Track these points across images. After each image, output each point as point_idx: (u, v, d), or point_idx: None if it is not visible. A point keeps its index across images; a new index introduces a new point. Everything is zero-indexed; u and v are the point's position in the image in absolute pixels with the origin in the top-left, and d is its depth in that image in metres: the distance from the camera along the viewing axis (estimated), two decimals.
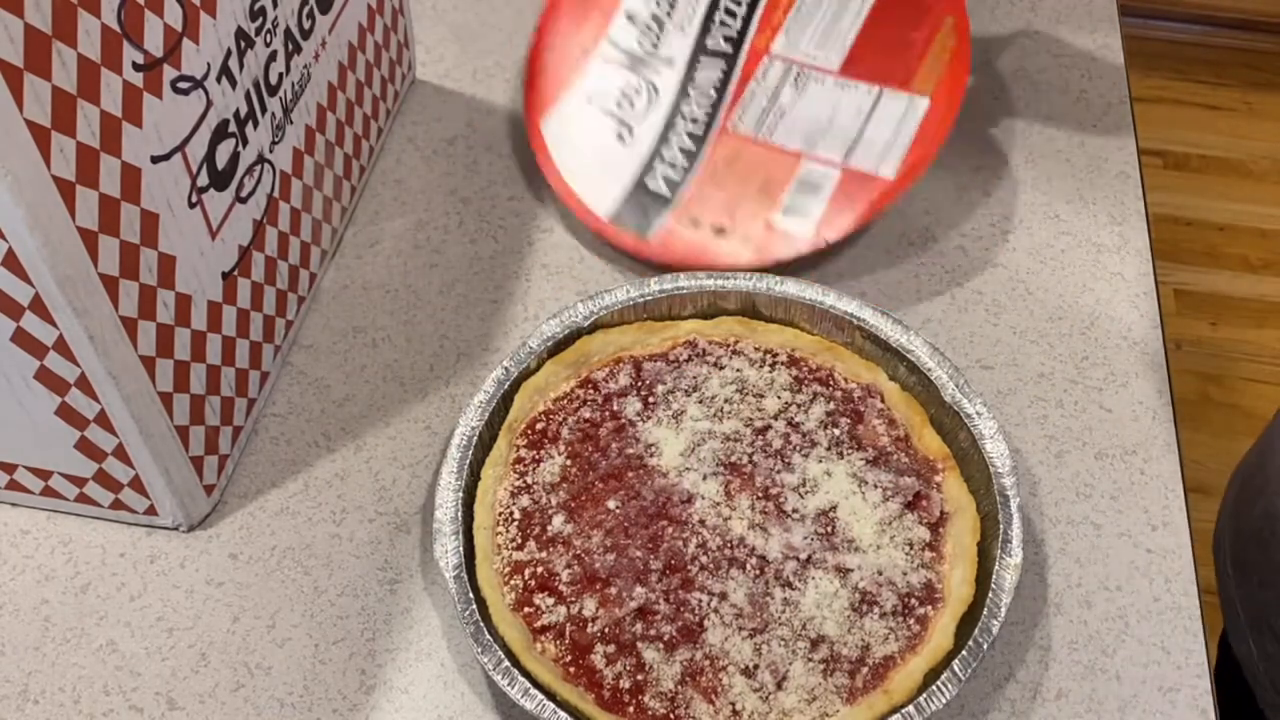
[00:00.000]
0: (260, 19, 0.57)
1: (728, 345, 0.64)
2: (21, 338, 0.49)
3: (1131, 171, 0.78)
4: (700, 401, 0.61)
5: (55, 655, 0.57)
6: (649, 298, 0.64)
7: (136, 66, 0.47)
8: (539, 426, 0.61)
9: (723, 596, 0.55)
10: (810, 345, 0.64)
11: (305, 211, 0.67)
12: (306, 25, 0.62)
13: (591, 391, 0.62)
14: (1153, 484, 0.63)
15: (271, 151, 0.61)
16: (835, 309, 0.64)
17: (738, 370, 0.63)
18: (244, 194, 0.59)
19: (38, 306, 0.47)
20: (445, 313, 0.70)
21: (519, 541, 0.57)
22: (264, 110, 0.59)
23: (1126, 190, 0.77)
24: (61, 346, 0.49)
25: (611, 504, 0.58)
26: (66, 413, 0.53)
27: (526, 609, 0.54)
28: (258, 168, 0.60)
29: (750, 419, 0.61)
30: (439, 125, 0.80)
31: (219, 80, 0.54)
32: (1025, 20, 0.89)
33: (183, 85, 0.51)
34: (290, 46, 0.61)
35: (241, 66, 0.56)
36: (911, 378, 0.62)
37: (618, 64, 0.74)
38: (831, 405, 0.61)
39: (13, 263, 0.46)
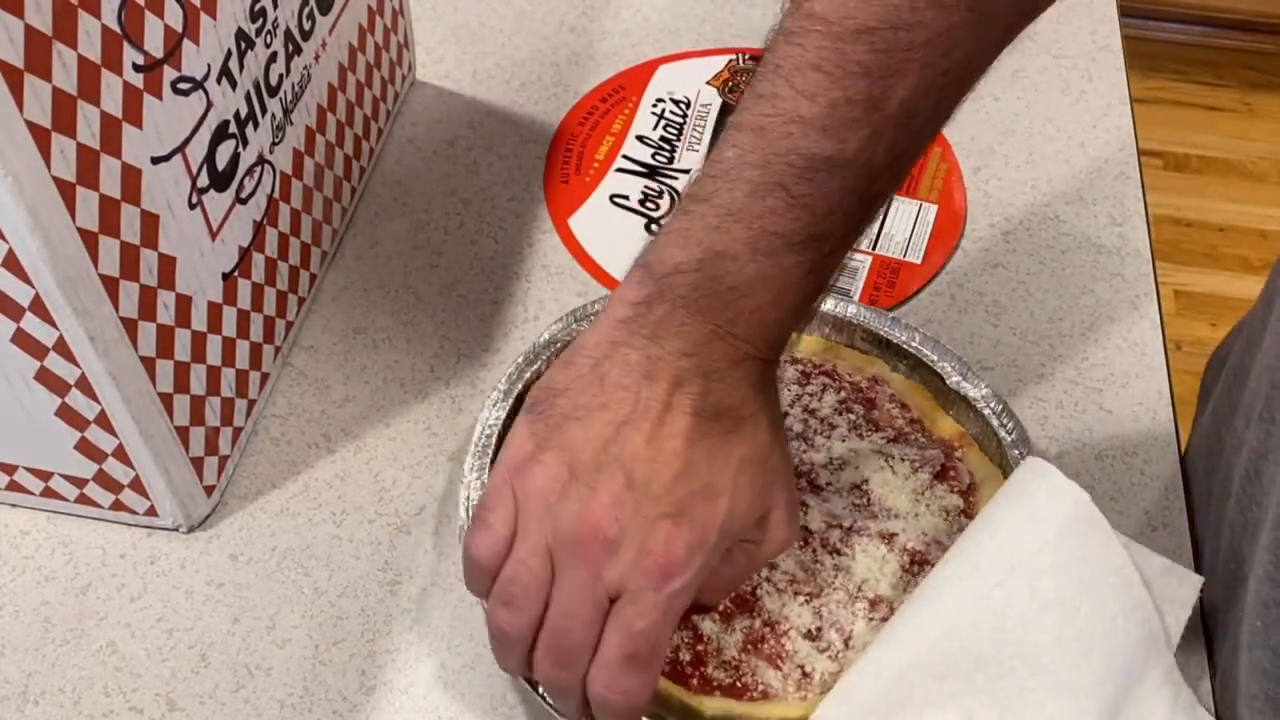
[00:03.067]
0: (260, 20, 0.57)
1: None
2: (22, 339, 0.49)
3: (1131, 172, 0.78)
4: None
5: (55, 656, 0.57)
6: None
7: (137, 67, 0.47)
8: None
9: (772, 566, 0.54)
10: (809, 346, 0.64)
11: (305, 212, 0.67)
12: (306, 26, 0.63)
13: None
14: (1153, 484, 0.63)
15: (272, 152, 0.61)
16: (834, 313, 0.64)
17: None
18: (244, 195, 0.59)
19: (38, 307, 0.47)
20: (445, 313, 0.70)
21: None
22: (264, 111, 0.59)
23: (1126, 191, 0.77)
24: (62, 347, 0.49)
25: None
26: (67, 414, 0.53)
27: None
28: (258, 169, 0.60)
29: None
30: (439, 126, 0.80)
31: (219, 81, 0.54)
32: None
33: (183, 86, 0.51)
34: (290, 47, 0.61)
35: (242, 67, 0.56)
36: (914, 374, 0.62)
37: (635, 174, 0.78)
38: (843, 394, 0.61)
39: (13, 264, 0.46)
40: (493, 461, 0.58)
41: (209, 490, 0.61)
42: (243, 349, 0.61)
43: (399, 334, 0.69)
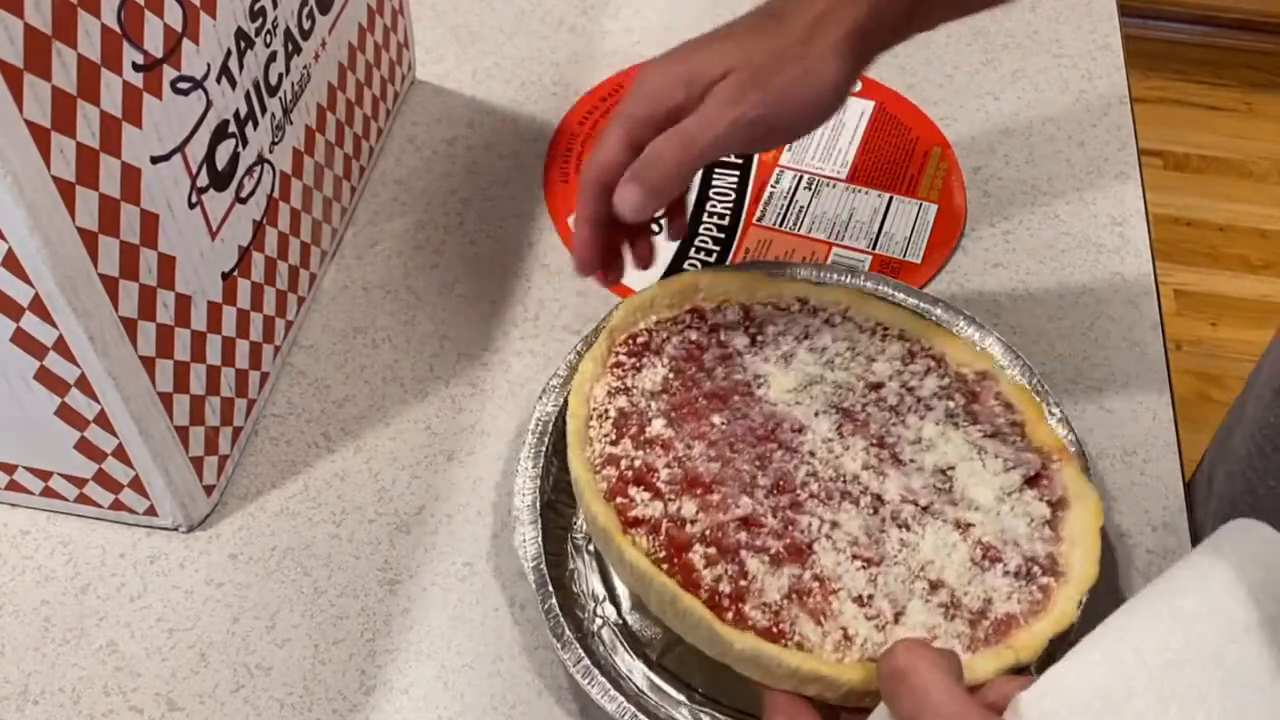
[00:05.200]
0: (260, 19, 0.57)
1: (839, 310, 0.61)
2: (21, 338, 0.49)
3: (1132, 172, 0.78)
4: (811, 350, 0.59)
5: (55, 656, 0.57)
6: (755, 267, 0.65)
7: (136, 67, 0.47)
8: (640, 340, 0.58)
9: (835, 524, 0.51)
10: (920, 328, 0.60)
11: (305, 212, 0.67)
12: (306, 26, 0.62)
13: (698, 320, 0.60)
14: (1153, 484, 0.63)
15: (271, 152, 0.61)
16: (933, 313, 0.64)
17: (849, 333, 0.60)
18: (244, 194, 0.59)
19: (38, 307, 0.47)
20: (445, 313, 0.70)
21: (614, 437, 0.54)
22: (264, 110, 0.59)
23: (1127, 190, 0.77)
24: (61, 347, 0.49)
25: (716, 419, 0.55)
26: (66, 413, 0.53)
27: (619, 499, 0.51)
28: (257, 168, 0.60)
29: (863, 375, 0.58)
30: (439, 126, 0.80)
31: (219, 81, 0.54)
32: (1025, 20, 0.89)
33: (183, 86, 0.51)
34: (290, 47, 0.61)
35: (241, 67, 0.56)
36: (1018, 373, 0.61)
37: None
38: (945, 381, 0.58)
39: (13, 263, 0.46)
40: (548, 455, 0.59)
41: (208, 490, 0.61)
42: (242, 348, 0.61)
43: (399, 333, 0.69)
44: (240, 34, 0.55)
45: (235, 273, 0.59)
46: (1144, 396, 0.67)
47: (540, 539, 0.56)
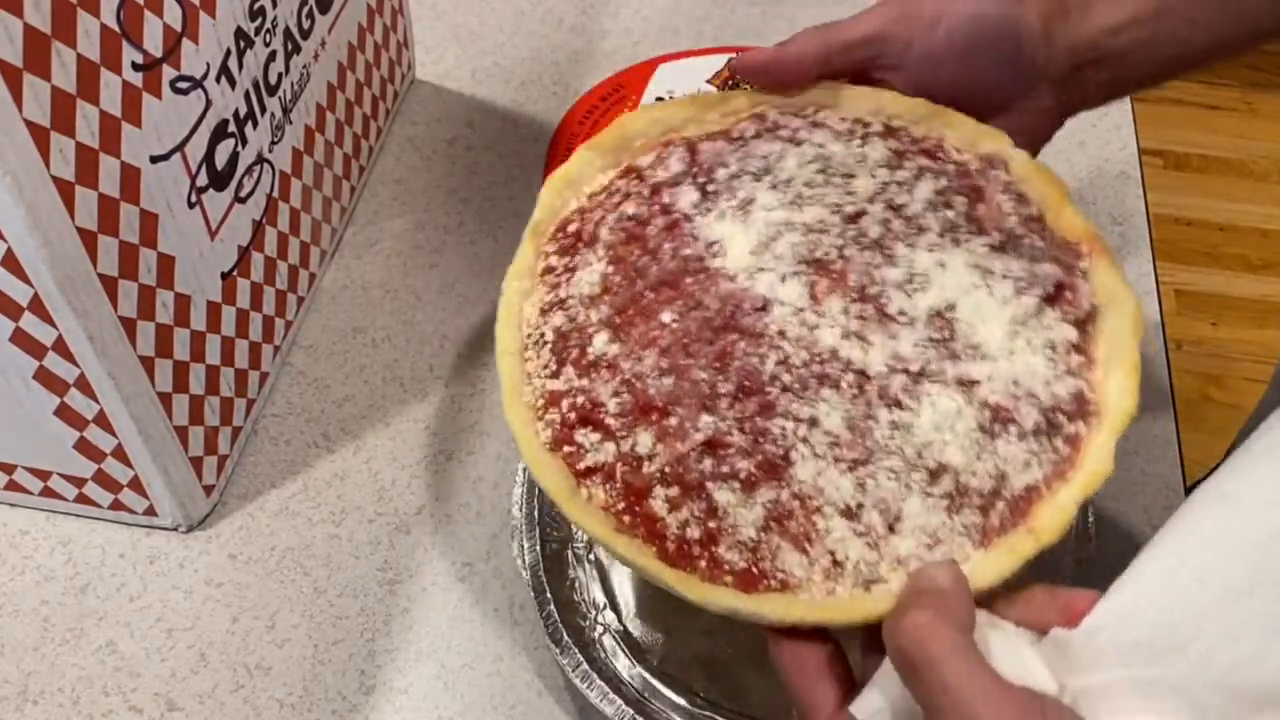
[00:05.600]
0: (259, 19, 0.57)
1: (806, 117, 0.51)
2: (21, 338, 0.49)
3: (1132, 171, 0.78)
4: (774, 187, 0.49)
5: (54, 656, 0.57)
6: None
7: (136, 66, 0.47)
8: (571, 228, 0.49)
9: (813, 423, 0.44)
10: (911, 110, 0.51)
11: (305, 211, 0.67)
12: (306, 25, 0.62)
13: (636, 182, 0.50)
14: (1153, 484, 0.63)
15: (271, 151, 0.61)
16: None
17: (819, 146, 0.50)
18: (243, 194, 0.58)
19: (37, 307, 0.47)
20: (445, 313, 0.70)
21: (554, 368, 0.47)
22: (263, 110, 0.59)
23: (1127, 190, 0.77)
24: (61, 347, 0.49)
25: (666, 317, 0.47)
26: (66, 413, 0.53)
27: (566, 448, 0.45)
28: (257, 168, 0.59)
29: (838, 205, 0.49)
30: (439, 125, 0.80)
31: (218, 80, 0.54)
32: None
33: (182, 85, 0.51)
34: (289, 46, 0.61)
35: (241, 66, 0.56)
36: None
37: None
38: (943, 182, 0.49)
39: (12, 263, 0.46)
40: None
41: (208, 490, 0.61)
42: (242, 348, 0.61)
43: (398, 333, 0.69)
44: (240, 33, 0.55)
45: (235, 272, 0.59)
46: (1145, 397, 0.66)
47: (539, 548, 0.56)
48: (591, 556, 0.59)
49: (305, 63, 0.63)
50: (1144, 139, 0.81)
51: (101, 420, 0.53)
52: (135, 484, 0.57)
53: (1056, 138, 0.80)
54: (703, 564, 0.42)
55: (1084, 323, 0.46)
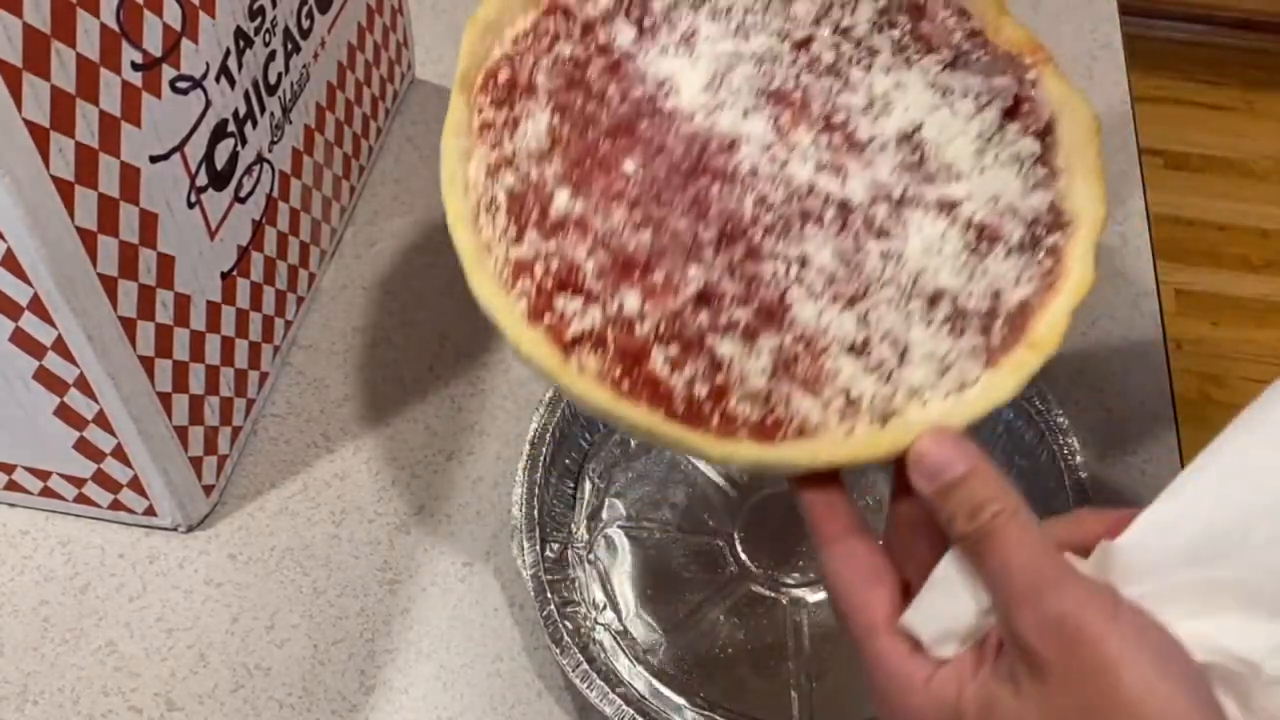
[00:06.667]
0: (259, 19, 0.57)
1: None
2: (20, 338, 0.49)
3: (1132, 171, 0.78)
4: (713, 17, 0.46)
5: (54, 656, 0.56)
6: None
7: (135, 66, 0.47)
8: (502, 76, 0.45)
9: (803, 261, 0.42)
10: None
11: (304, 211, 0.67)
12: (305, 25, 0.62)
13: (563, 21, 0.46)
14: (1153, 484, 0.63)
15: (270, 151, 0.61)
16: None
17: None
18: (243, 194, 0.58)
19: (36, 307, 0.47)
20: (445, 313, 0.70)
21: (514, 234, 0.43)
22: (263, 110, 0.59)
23: (1127, 190, 0.77)
24: (60, 347, 0.49)
25: (629, 167, 0.43)
26: (65, 413, 0.53)
27: (547, 318, 0.41)
28: (257, 167, 0.59)
29: (784, 31, 0.46)
30: (439, 125, 0.80)
31: (218, 80, 0.54)
32: (1025, 20, 0.88)
33: (182, 85, 0.51)
34: (289, 46, 0.61)
35: (240, 66, 0.56)
36: None
37: None
38: (883, 1, 0.47)
39: (12, 263, 0.45)
40: (544, 465, 0.58)
41: (208, 490, 0.61)
42: (241, 348, 0.61)
43: (398, 333, 0.69)
44: (239, 33, 0.55)
45: (234, 272, 0.59)
46: (1144, 396, 0.67)
47: (539, 549, 0.56)
48: (591, 557, 0.59)
49: (305, 62, 0.63)
50: (1144, 138, 0.81)
51: (101, 420, 0.53)
52: (135, 484, 0.57)
53: None
54: (715, 421, 0.40)
55: (1043, 134, 0.45)
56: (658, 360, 0.41)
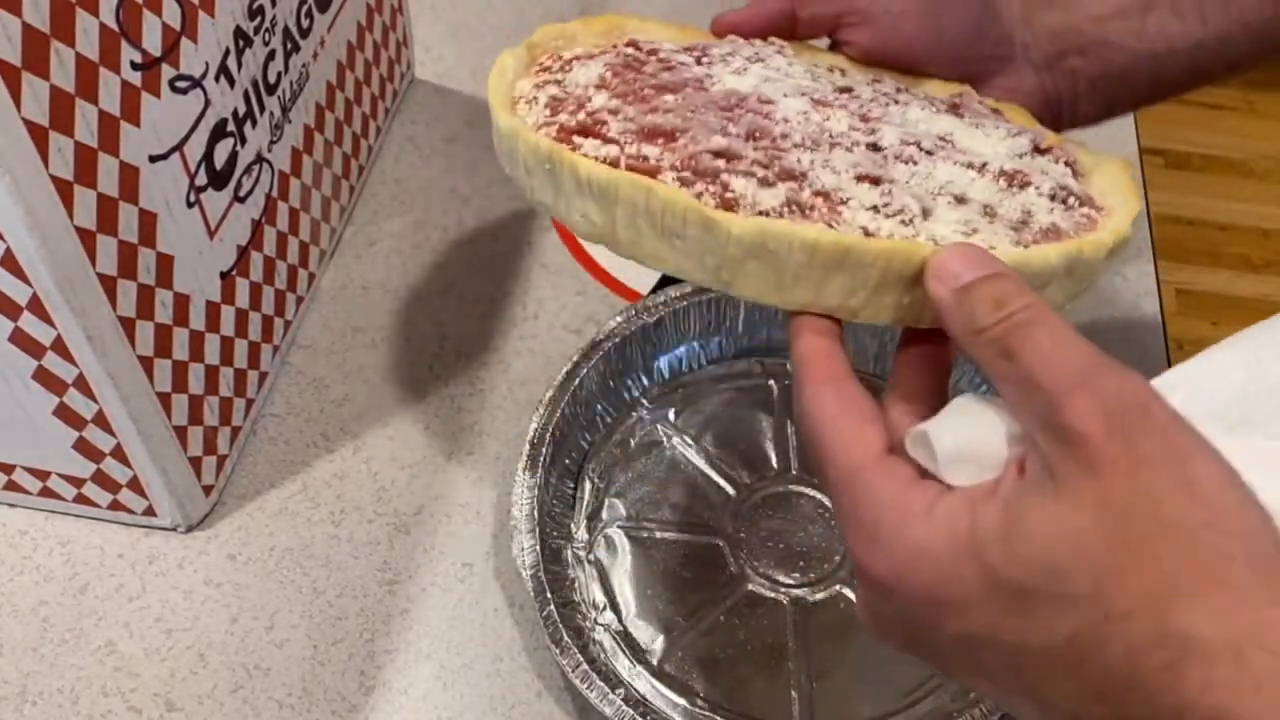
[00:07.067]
0: (259, 18, 0.57)
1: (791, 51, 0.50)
2: (19, 338, 0.49)
3: (1133, 171, 0.78)
4: (766, 69, 0.47)
5: (53, 656, 0.56)
6: None
7: (135, 66, 0.47)
8: (566, 55, 0.47)
9: (828, 163, 0.41)
10: (882, 67, 0.51)
11: (304, 211, 0.67)
12: (305, 24, 0.62)
13: (629, 47, 0.48)
14: None
15: (270, 151, 0.61)
16: None
17: (808, 63, 0.49)
18: (242, 193, 0.58)
19: (36, 306, 0.47)
20: (445, 313, 0.70)
21: (549, 115, 0.43)
22: (262, 109, 0.59)
23: None
24: (59, 346, 0.49)
25: (669, 98, 0.43)
26: (64, 413, 0.53)
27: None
28: (256, 167, 0.59)
29: (831, 81, 0.48)
30: (438, 124, 0.80)
31: (217, 79, 0.54)
32: None
33: (181, 84, 0.51)
34: (289, 45, 0.61)
35: (240, 66, 0.56)
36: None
37: None
38: (923, 102, 0.48)
39: (11, 263, 0.45)
40: (545, 465, 0.58)
41: (207, 490, 0.61)
42: (241, 348, 0.61)
43: (398, 333, 0.69)
44: (239, 33, 0.55)
45: (234, 272, 0.59)
46: None
47: (539, 548, 0.56)
48: (591, 557, 0.59)
49: (304, 62, 0.63)
50: (1145, 138, 0.81)
51: (100, 420, 0.53)
52: (134, 484, 0.57)
53: None
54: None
55: (1073, 167, 0.45)
56: (668, 178, 0.39)
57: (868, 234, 0.38)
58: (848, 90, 0.47)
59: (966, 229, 0.39)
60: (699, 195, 0.38)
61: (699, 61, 0.47)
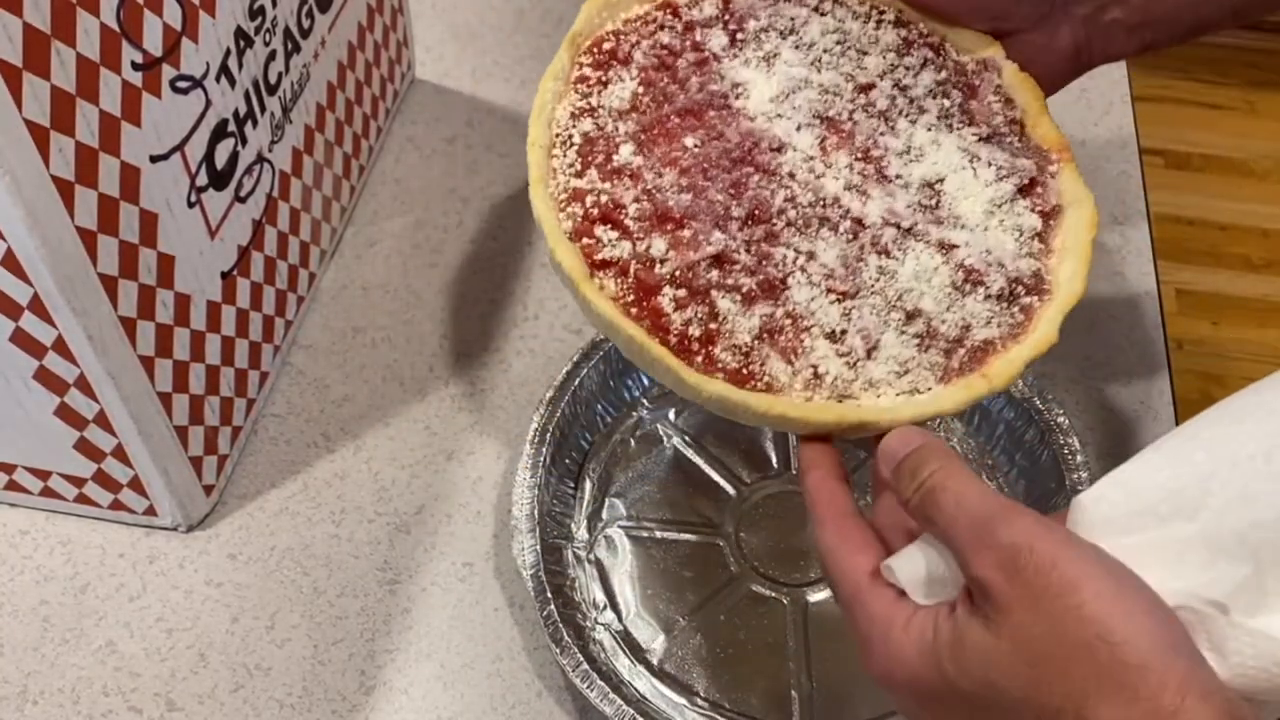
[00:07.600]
0: (259, 18, 0.57)
1: None
2: (20, 338, 0.49)
3: (1133, 171, 0.78)
4: (796, 46, 0.53)
5: (54, 656, 0.56)
6: None
7: (135, 66, 0.47)
8: (607, 46, 0.53)
9: (811, 256, 0.48)
10: (921, 11, 0.56)
11: (304, 211, 0.67)
12: (306, 24, 0.62)
13: (671, 17, 0.54)
14: None
15: (271, 151, 0.61)
16: None
17: (840, 21, 0.55)
18: (243, 193, 0.58)
19: (37, 306, 0.47)
20: (445, 313, 0.70)
21: (579, 168, 0.50)
22: (263, 110, 0.59)
23: (1128, 190, 0.77)
24: (60, 346, 0.49)
25: (689, 141, 0.50)
26: (65, 413, 0.53)
27: (585, 240, 0.48)
28: (257, 167, 0.59)
29: (852, 75, 0.53)
30: (438, 125, 0.80)
31: (218, 80, 0.54)
32: None
33: (182, 85, 0.51)
34: (289, 46, 0.61)
35: (241, 66, 0.56)
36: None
37: None
38: (943, 74, 0.54)
39: (12, 263, 0.45)
40: (545, 465, 0.59)
41: (208, 489, 0.61)
42: (241, 348, 0.61)
43: (398, 333, 0.69)
44: (239, 33, 0.55)
45: (234, 272, 0.59)
46: (1145, 396, 0.66)
47: (539, 548, 0.56)
48: (591, 557, 0.59)
49: (305, 62, 0.63)
50: (1145, 138, 0.81)
51: (101, 420, 0.53)
52: (135, 484, 0.57)
53: None
54: (699, 359, 0.46)
55: (1048, 216, 0.51)
56: (666, 297, 0.47)
57: (817, 375, 0.46)
58: (867, 89, 0.53)
59: (900, 370, 0.47)
60: (688, 322, 0.46)
61: (733, 40, 0.53)
